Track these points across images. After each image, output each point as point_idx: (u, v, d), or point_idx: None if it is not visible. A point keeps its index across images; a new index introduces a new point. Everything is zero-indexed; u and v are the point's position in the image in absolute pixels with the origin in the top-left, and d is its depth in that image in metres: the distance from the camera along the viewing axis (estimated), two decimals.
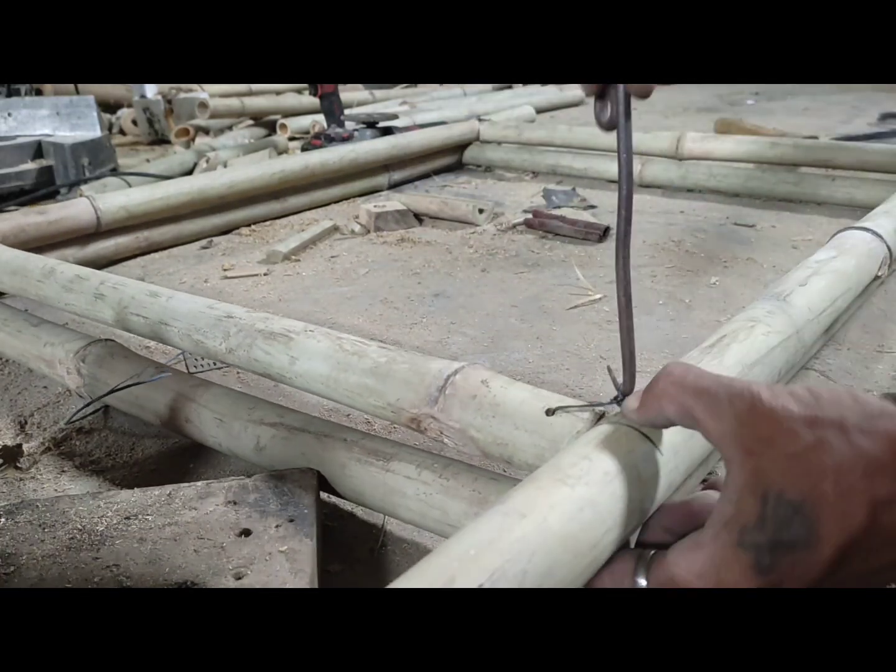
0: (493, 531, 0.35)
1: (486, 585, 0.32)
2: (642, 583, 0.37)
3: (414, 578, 0.33)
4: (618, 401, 0.47)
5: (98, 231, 1.39)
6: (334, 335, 0.67)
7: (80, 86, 3.23)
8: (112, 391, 0.80)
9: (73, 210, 1.36)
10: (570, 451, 0.43)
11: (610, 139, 2.05)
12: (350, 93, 3.13)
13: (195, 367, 0.99)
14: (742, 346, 0.61)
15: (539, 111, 3.03)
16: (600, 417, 0.50)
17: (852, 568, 0.33)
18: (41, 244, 1.30)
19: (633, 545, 0.43)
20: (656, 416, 0.40)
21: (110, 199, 1.41)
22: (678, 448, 0.47)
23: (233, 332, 0.71)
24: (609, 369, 0.49)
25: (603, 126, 0.43)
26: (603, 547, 0.39)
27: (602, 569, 0.39)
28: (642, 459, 0.43)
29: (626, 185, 0.43)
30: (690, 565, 0.35)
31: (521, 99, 3.28)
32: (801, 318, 0.71)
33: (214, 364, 1.00)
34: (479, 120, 2.27)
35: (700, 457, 0.51)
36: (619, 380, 0.47)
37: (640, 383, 0.44)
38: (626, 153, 0.43)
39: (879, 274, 0.93)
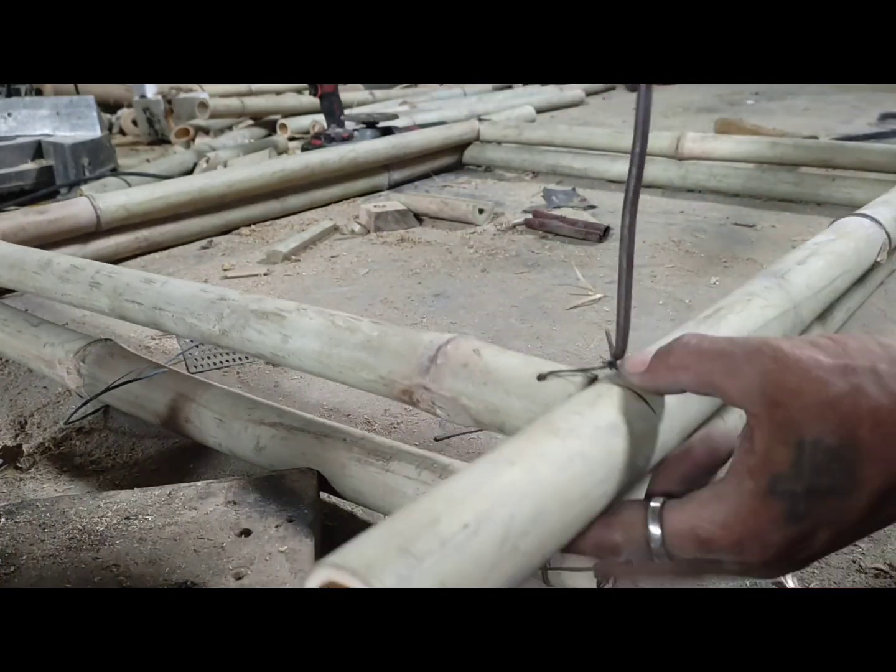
0: (481, 477, 0.35)
1: (472, 526, 0.32)
2: (656, 532, 0.37)
3: (400, 519, 0.33)
4: (611, 364, 0.47)
5: (98, 230, 1.40)
6: (327, 312, 0.66)
7: (80, 86, 3.23)
8: (108, 388, 0.80)
9: (72, 209, 1.36)
10: (561, 408, 0.42)
11: (609, 139, 2.05)
12: (350, 93, 3.13)
13: (195, 367, 0.99)
14: (738, 318, 0.61)
15: (539, 111, 3.03)
16: (592, 381, 0.50)
17: (886, 511, 0.33)
18: (41, 243, 1.30)
19: None
20: (668, 385, 0.40)
21: (110, 198, 1.41)
22: (673, 409, 0.46)
23: (226, 313, 0.71)
24: (607, 332, 0.49)
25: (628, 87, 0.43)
26: (594, 498, 0.38)
27: (612, 518, 0.39)
28: (636, 417, 0.43)
29: (639, 145, 0.43)
30: (714, 516, 0.34)
31: (521, 99, 3.28)
32: (799, 294, 0.71)
33: (214, 364, 1.00)
34: (480, 120, 2.27)
35: (695, 420, 0.51)
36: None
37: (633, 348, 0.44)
38: (643, 115, 0.42)
39: (878, 259, 0.93)
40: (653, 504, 0.37)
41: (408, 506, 0.33)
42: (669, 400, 0.46)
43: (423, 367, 0.57)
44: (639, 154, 0.43)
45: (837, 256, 0.82)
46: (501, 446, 0.38)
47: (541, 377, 0.51)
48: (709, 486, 0.36)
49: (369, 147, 1.89)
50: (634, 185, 0.43)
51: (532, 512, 0.34)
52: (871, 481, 0.32)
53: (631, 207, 0.44)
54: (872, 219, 0.94)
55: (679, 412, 0.48)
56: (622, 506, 0.39)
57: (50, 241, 1.32)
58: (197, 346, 1.03)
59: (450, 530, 0.32)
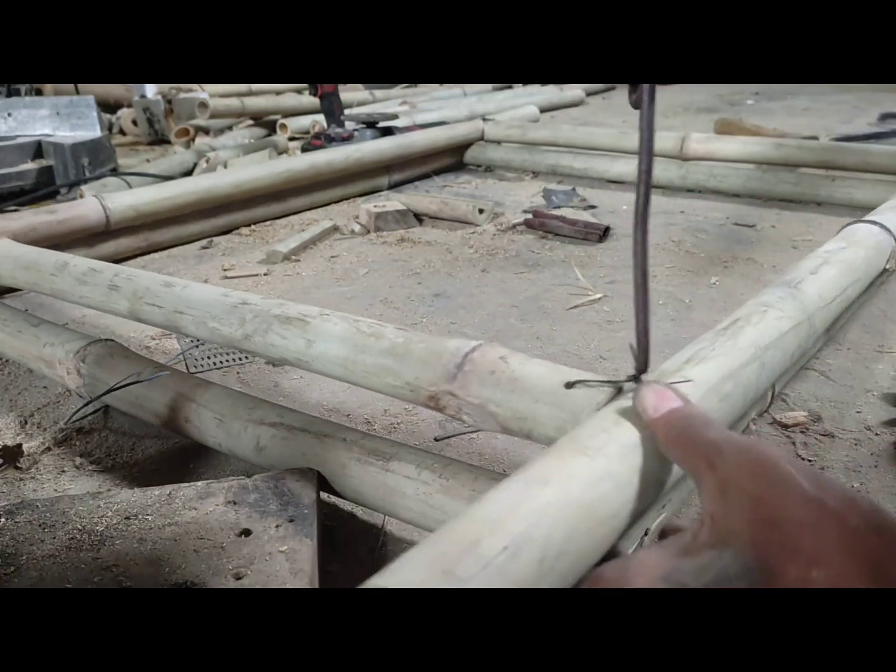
0: (516, 496, 0.35)
1: (511, 548, 0.32)
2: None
3: (442, 541, 0.33)
4: (635, 378, 0.47)
5: (107, 230, 1.40)
6: (351, 318, 0.67)
7: (80, 86, 3.23)
8: (110, 390, 0.80)
9: (82, 209, 1.36)
10: (588, 425, 0.43)
11: (612, 139, 2.05)
12: (350, 93, 3.13)
13: (195, 367, 0.99)
14: (756, 329, 0.62)
15: (539, 111, 3.03)
16: (619, 391, 0.51)
17: None
18: (51, 243, 1.30)
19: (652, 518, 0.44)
20: (660, 444, 0.41)
21: (119, 198, 1.42)
22: None
23: (248, 318, 0.71)
24: (631, 346, 0.49)
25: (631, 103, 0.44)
26: (622, 517, 0.39)
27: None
28: None
29: (646, 160, 0.43)
30: (604, 575, 0.36)
31: (521, 99, 3.28)
32: (812, 304, 0.72)
33: (214, 364, 1.00)
34: (484, 120, 2.27)
35: None
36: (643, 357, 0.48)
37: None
38: (647, 130, 0.43)
39: (888, 267, 0.93)
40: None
41: (447, 525, 0.34)
42: None
43: (451, 373, 0.58)
44: (645, 171, 0.43)
45: (848, 265, 0.82)
46: (532, 464, 0.39)
47: (569, 385, 0.52)
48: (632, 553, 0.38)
49: (374, 147, 1.89)
50: (644, 203, 0.44)
51: (567, 532, 0.35)
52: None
53: (642, 224, 0.44)
54: (882, 226, 0.94)
55: None
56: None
57: (59, 241, 1.32)
58: (197, 346, 1.03)
59: (491, 553, 0.32)
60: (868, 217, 0.97)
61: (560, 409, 0.52)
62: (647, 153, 0.43)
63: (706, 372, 0.53)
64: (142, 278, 0.84)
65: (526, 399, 0.54)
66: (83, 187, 1.85)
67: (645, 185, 0.44)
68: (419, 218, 1.71)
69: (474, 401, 0.56)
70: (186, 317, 0.76)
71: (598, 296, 1.23)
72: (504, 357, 0.57)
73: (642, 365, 0.47)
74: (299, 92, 3.22)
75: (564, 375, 0.53)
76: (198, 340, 1.04)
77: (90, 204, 1.37)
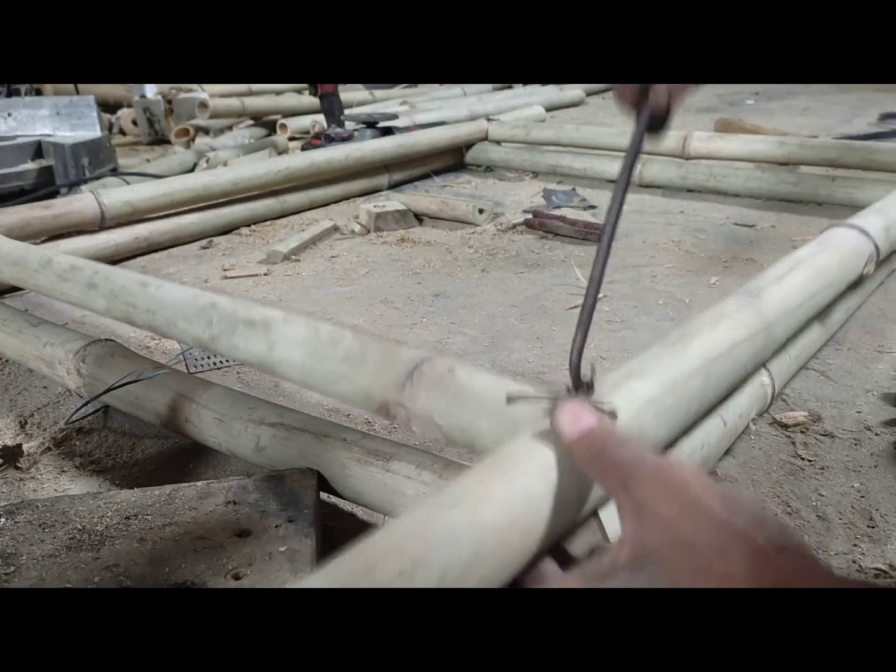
0: (420, 521, 0.36)
1: (407, 574, 0.32)
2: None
3: (339, 567, 0.33)
4: (570, 389, 0.48)
5: (103, 226, 1.40)
6: (311, 323, 0.67)
7: (80, 86, 3.23)
8: (109, 389, 0.80)
9: (77, 205, 1.36)
10: (513, 443, 0.43)
11: (616, 139, 2.04)
12: (350, 93, 3.13)
13: (195, 366, 0.99)
14: (705, 341, 0.61)
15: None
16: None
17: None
18: (45, 238, 1.30)
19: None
20: (574, 458, 0.41)
21: (115, 194, 1.42)
22: None
23: (215, 320, 0.71)
24: (592, 367, 0.50)
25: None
26: (536, 538, 0.39)
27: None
28: None
29: (623, 185, 0.44)
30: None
31: (521, 99, 3.28)
32: (772, 313, 0.71)
33: (214, 364, 1.00)
34: (489, 120, 2.26)
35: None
36: (589, 374, 0.48)
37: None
38: (626, 172, 0.45)
39: (865, 272, 0.92)
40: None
41: (348, 551, 0.34)
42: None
43: (400, 383, 0.58)
44: (616, 212, 0.45)
45: (819, 271, 0.81)
46: (450, 487, 0.39)
47: (510, 400, 0.52)
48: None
49: (376, 146, 1.89)
50: (608, 241, 0.46)
51: (470, 554, 0.35)
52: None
53: (605, 255, 0.46)
54: (860, 230, 0.94)
55: None
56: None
57: (54, 235, 1.33)
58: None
59: (385, 577, 0.32)
60: (849, 220, 0.97)
61: (500, 422, 0.53)
62: (624, 181, 0.45)
63: (646, 385, 0.53)
64: (119, 277, 0.83)
65: (469, 412, 0.54)
66: (83, 187, 1.85)
67: (612, 226, 0.45)
68: (419, 218, 1.71)
69: (421, 411, 0.57)
70: (159, 317, 0.76)
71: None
72: (452, 369, 0.57)
73: (574, 382, 0.48)
74: (299, 92, 3.22)
75: (509, 388, 0.54)
76: None
77: (86, 199, 1.37)
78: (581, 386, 0.47)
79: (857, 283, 0.95)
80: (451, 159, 2.22)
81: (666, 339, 0.62)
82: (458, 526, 0.35)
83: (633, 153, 0.45)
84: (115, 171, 2.10)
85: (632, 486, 0.35)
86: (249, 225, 1.69)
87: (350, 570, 0.33)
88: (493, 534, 0.36)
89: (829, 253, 0.86)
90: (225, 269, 1.41)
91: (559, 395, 0.51)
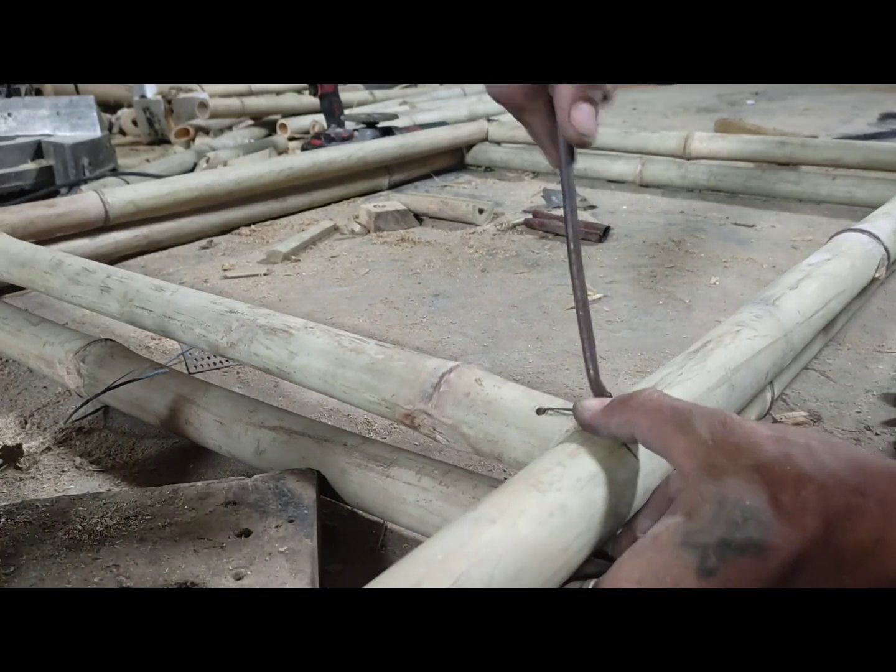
0: (462, 536, 0.36)
1: (452, 587, 0.32)
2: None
3: (384, 583, 0.33)
4: None
5: (106, 225, 1.40)
6: (333, 332, 0.67)
7: (80, 86, 3.23)
8: (108, 388, 0.80)
9: (81, 203, 1.36)
10: (545, 458, 0.43)
11: (617, 139, 2.04)
12: (350, 93, 3.13)
13: (195, 367, 0.99)
14: (726, 351, 0.62)
15: None
16: None
17: (796, 583, 0.33)
18: (49, 237, 1.30)
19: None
20: (620, 429, 0.41)
21: (119, 192, 1.42)
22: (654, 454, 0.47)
23: (234, 326, 0.72)
24: (589, 377, 0.50)
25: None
26: (574, 551, 0.39)
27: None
28: (617, 464, 0.44)
29: (572, 222, 0.46)
30: (629, 573, 0.35)
31: None
32: (790, 321, 0.71)
33: (214, 364, 1.00)
34: (489, 120, 2.26)
35: None
36: (605, 387, 0.49)
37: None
38: (569, 198, 0.46)
39: (877, 276, 0.93)
40: (587, 583, 0.39)
41: (393, 567, 0.34)
42: None
43: (427, 393, 0.58)
44: (571, 212, 0.46)
45: (832, 277, 0.82)
46: (484, 501, 0.39)
47: (539, 412, 0.52)
48: (630, 547, 0.37)
49: (378, 146, 1.89)
50: (575, 250, 0.46)
51: (513, 570, 0.35)
52: (782, 547, 0.32)
53: (577, 260, 0.47)
54: (871, 234, 0.94)
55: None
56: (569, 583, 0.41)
57: (58, 235, 1.32)
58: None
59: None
60: (858, 225, 0.97)
61: (530, 434, 0.53)
62: (572, 213, 0.47)
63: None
64: (133, 281, 0.84)
65: (498, 422, 0.54)
66: (83, 187, 1.85)
67: (575, 244, 0.46)
68: (419, 218, 1.71)
69: (448, 421, 0.57)
70: (175, 322, 0.77)
71: (598, 296, 1.23)
72: (479, 379, 0.57)
73: (597, 393, 0.48)
74: (299, 92, 3.22)
75: (537, 401, 0.54)
76: None
77: (90, 198, 1.37)
78: (604, 396, 0.48)
79: (867, 287, 0.95)
80: (452, 159, 2.22)
81: (688, 349, 0.62)
82: (498, 542, 0.36)
83: (565, 179, 0.46)
84: (115, 171, 2.10)
85: (731, 421, 0.37)
86: (249, 225, 1.69)
87: (397, 585, 0.33)
88: (534, 549, 0.37)
89: (842, 259, 0.86)
90: (225, 269, 1.41)
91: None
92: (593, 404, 0.44)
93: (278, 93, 3.27)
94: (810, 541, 0.32)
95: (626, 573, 0.35)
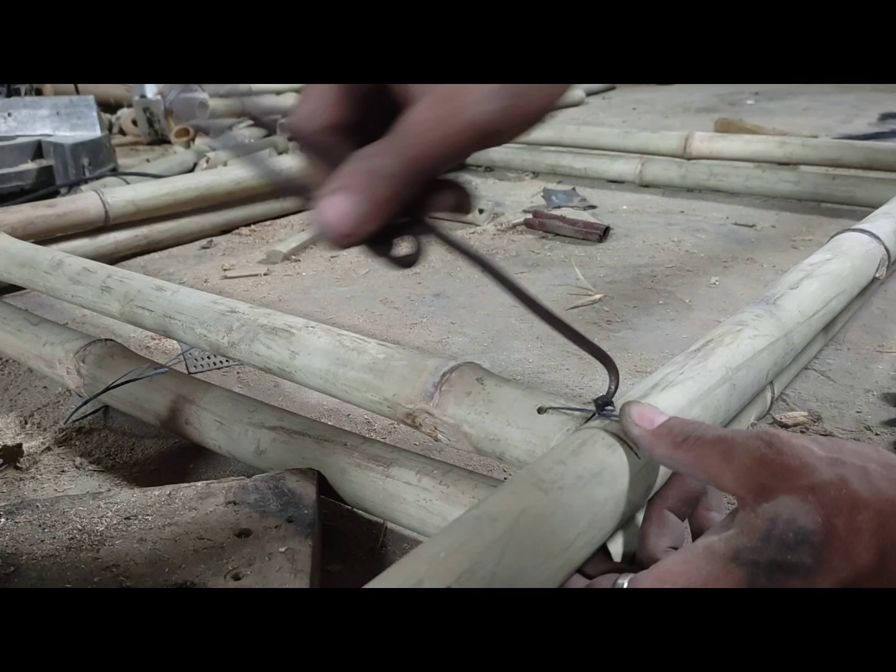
0: (464, 535, 0.36)
1: (454, 587, 0.32)
2: (623, 584, 0.38)
3: (385, 581, 0.33)
4: (599, 404, 0.49)
5: (106, 225, 1.40)
6: (335, 332, 0.68)
7: (80, 86, 3.23)
8: (108, 388, 0.80)
9: (81, 203, 1.36)
10: (546, 457, 0.44)
11: (617, 139, 2.04)
12: None
13: (195, 367, 0.99)
14: (728, 350, 0.62)
15: None
16: (590, 417, 0.51)
17: None
18: (49, 237, 1.30)
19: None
20: (664, 459, 0.42)
21: (119, 192, 1.42)
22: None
23: (235, 326, 0.72)
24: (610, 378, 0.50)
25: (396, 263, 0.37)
26: (576, 549, 0.39)
27: (581, 574, 0.41)
28: (620, 463, 0.44)
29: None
30: (676, 578, 0.35)
31: None
32: (790, 321, 0.71)
33: (214, 364, 1.00)
34: None
35: None
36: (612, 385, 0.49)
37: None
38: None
39: (877, 276, 0.93)
40: (619, 580, 0.39)
41: (394, 565, 0.34)
42: None
43: (428, 392, 0.58)
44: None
45: (833, 277, 0.82)
46: (486, 500, 0.39)
47: (541, 410, 0.53)
48: (683, 546, 0.37)
49: None
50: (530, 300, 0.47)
51: (516, 569, 0.35)
52: (835, 571, 0.32)
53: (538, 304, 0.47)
54: (871, 234, 0.94)
55: None
56: (595, 580, 0.40)
57: (58, 235, 1.33)
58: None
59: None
60: (858, 225, 0.97)
61: (531, 433, 0.53)
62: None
63: (673, 397, 0.53)
64: (134, 281, 0.84)
65: (499, 422, 0.55)
66: (83, 187, 1.85)
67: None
68: None
69: (449, 420, 0.57)
70: (175, 322, 0.77)
71: (599, 296, 1.23)
72: (481, 378, 0.58)
73: (610, 395, 0.48)
74: (299, 92, 3.22)
75: (538, 400, 0.54)
76: None
77: (90, 198, 1.37)
78: (613, 392, 0.48)
79: (867, 287, 0.95)
80: None
81: (689, 348, 0.62)
82: (500, 540, 0.36)
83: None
84: (115, 171, 2.10)
85: (778, 440, 0.36)
86: (249, 225, 1.69)
87: (399, 583, 0.33)
88: (535, 547, 0.37)
89: (842, 258, 0.86)
90: (225, 269, 1.41)
91: (590, 406, 0.51)
92: (643, 420, 0.43)
93: (278, 93, 3.27)
94: (863, 570, 0.32)
95: (673, 577, 0.35)
